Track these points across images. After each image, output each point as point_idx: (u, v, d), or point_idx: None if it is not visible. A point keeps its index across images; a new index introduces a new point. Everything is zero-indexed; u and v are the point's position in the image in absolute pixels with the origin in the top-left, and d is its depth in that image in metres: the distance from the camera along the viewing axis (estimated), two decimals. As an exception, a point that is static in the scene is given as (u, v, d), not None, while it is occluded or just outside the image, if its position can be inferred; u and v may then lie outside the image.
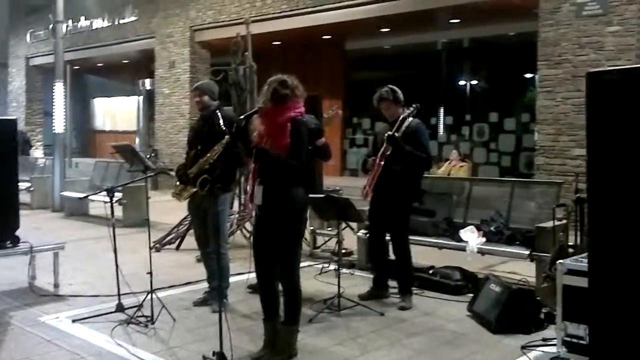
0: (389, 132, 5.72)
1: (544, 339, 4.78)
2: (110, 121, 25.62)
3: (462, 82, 15.64)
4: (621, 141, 2.95)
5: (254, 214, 4.61)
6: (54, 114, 13.22)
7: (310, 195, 4.70)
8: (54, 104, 13.23)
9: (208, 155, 5.37)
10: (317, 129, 5.26)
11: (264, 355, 4.46)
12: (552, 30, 9.97)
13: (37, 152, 22.61)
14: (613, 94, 2.96)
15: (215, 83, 5.94)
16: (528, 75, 13.88)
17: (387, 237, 6.15)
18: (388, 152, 5.74)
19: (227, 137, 5.11)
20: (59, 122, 13.08)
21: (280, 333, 4.50)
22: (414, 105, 5.84)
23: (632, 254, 2.93)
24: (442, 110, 15.57)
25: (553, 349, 4.42)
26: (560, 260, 4.24)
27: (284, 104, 4.38)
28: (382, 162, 5.77)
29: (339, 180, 13.57)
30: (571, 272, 4.08)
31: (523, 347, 4.69)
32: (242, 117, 4.51)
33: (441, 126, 15.58)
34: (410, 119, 5.82)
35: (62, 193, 12.39)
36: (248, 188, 5.93)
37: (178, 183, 5.57)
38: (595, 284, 3.09)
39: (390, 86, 5.95)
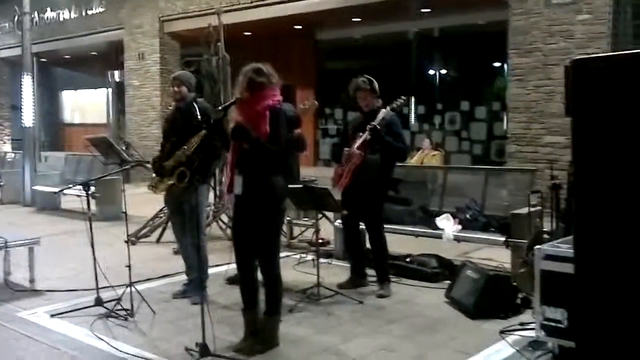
0: (373, 123, 5.72)
1: (521, 324, 4.85)
2: (80, 114, 25.25)
3: (433, 72, 15.70)
4: (607, 128, 2.97)
5: (230, 205, 4.59)
6: (22, 107, 13.02)
7: (289, 186, 4.70)
8: (22, 97, 13.02)
9: (185, 147, 5.34)
10: (295, 117, 5.27)
11: (247, 346, 4.46)
12: (523, 19, 10.06)
13: (6, 147, 22.21)
14: (598, 82, 2.98)
15: (192, 75, 5.90)
16: (497, 64, 14.00)
17: (362, 226, 6.18)
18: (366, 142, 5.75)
19: (204, 129, 5.09)
20: (28, 116, 12.87)
21: (262, 323, 4.51)
22: (403, 98, 5.85)
23: (616, 240, 2.97)
24: (413, 99, 15.63)
25: (531, 333, 4.50)
26: (538, 246, 4.31)
27: (261, 91, 4.37)
28: (363, 153, 5.77)
29: (312, 171, 13.57)
30: (549, 257, 4.16)
31: (502, 332, 4.76)
32: (220, 108, 4.49)
33: (413, 115, 15.64)
34: (387, 110, 5.82)
35: (33, 187, 12.22)
36: (223, 179, 5.92)
37: (154, 175, 5.55)
38: (580, 268, 3.14)
39: (367, 76, 5.94)
